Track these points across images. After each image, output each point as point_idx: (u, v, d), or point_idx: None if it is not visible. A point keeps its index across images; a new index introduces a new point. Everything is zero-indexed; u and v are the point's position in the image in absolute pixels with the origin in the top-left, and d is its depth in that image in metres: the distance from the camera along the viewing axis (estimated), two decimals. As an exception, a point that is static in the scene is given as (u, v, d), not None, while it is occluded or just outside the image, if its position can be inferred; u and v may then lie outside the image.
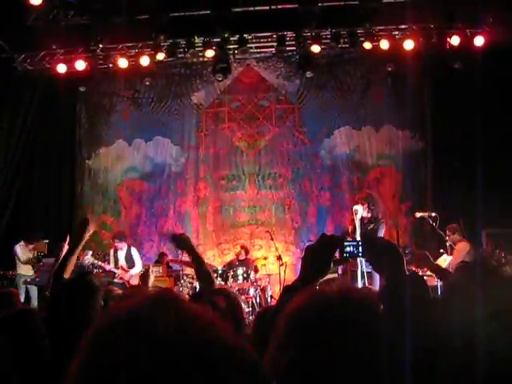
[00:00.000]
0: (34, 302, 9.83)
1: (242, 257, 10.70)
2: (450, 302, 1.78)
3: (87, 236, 3.60)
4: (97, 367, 0.67)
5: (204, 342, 0.69)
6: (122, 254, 9.94)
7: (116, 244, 9.99)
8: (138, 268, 9.95)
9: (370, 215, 8.16)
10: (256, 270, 10.42)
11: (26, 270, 10.59)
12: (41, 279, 10.41)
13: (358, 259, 8.09)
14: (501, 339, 1.43)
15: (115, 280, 9.74)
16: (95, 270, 9.86)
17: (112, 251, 10.06)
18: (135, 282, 9.59)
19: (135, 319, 0.70)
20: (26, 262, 10.54)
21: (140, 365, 0.65)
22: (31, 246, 10.65)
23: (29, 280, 10.42)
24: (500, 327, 1.46)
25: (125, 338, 0.67)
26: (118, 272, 9.77)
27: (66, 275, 3.39)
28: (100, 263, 9.90)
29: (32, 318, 2.83)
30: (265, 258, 11.20)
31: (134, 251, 10.15)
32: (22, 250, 10.65)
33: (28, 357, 2.56)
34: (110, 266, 9.85)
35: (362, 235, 7.56)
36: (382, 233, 8.44)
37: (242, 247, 10.90)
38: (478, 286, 1.58)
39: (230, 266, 10.45)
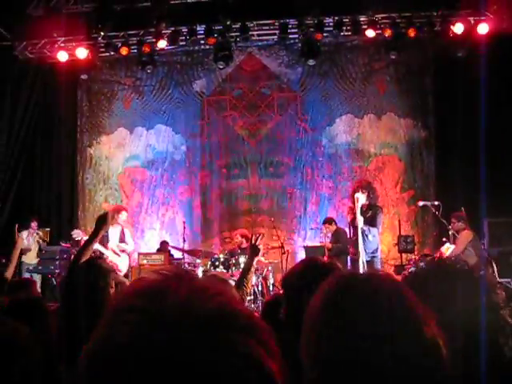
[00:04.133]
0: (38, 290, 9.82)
1: (244, 245, 10.69)
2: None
3: (105, 230, 3.77)
4: (114, 336, 0.71)
5: (214, 305, 0.73)
6: (115, 232, 9.33)
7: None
8: (130, 247, 9.54)
9: (368, 202, 8.21)
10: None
11: (30, 259, 10.60)
12: (43, 267, 10.46)
13: (360, 247, 8.15)
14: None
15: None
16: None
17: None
18: (124, 268, 9.21)
19: (155, 288, 0.74)
20: (25, 250, 10.54)
21: (156, 332, 0.69)
22: (34, 234, 10.68)
23: (31, 268, 10.45)
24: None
25: (145, 304, 0.72)
26: (108, 253, 9.01)
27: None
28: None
29: (41, 306, 2.87)
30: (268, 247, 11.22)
31: (127, 232, 9.67)
32: (24, 238, 10.66)
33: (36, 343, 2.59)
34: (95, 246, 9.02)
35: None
36: (380, 219, 8.46)
37: (242, 235, 10.86)
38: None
39: (232, 254, 10.44)
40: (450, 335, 1.21)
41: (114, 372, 0.67)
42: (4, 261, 10.27)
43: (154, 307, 0.70)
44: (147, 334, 0.68)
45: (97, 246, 8.50)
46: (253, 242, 4.30)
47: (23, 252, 10.57)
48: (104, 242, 9.03)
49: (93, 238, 3.68)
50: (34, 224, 10.72)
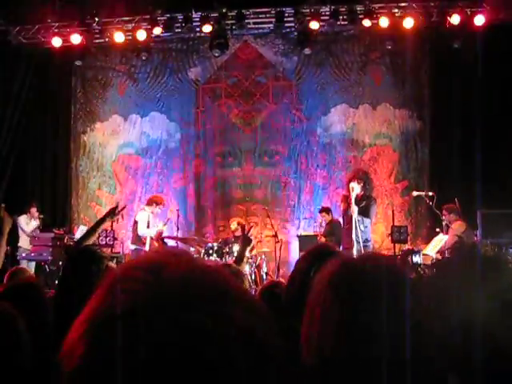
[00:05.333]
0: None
1: (238, 233, 10.69)
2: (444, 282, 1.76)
3: (108, 223, 3.87)
4: (112, 303, 0.72)
5: (213, 280, 0.75)
6: (144, 218, 9.88)
7: (152, 209, 9.92)
8: (152, 232, 9.97)
9: (362, 193, 8.22)
10: (251, 248, 10.45)
11: (27, 244, 10.58)
12: (36, 254, 10.43)
13: (353, 237, 8.18)
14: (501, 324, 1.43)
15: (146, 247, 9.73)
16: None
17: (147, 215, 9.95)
18: None
19: (157, 262, 0.76)
20: (31, 234, 10.56)
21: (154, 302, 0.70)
22: (35, 216, 10.70)
23: (24, 255, 10.42)
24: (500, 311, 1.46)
25: (146, 276, 0.73)
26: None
27: None
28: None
29: (37, 290, 2.87)
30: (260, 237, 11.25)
31: (151, 219, 10.09)
32: (25, 222, 10.65)
33: (32, 328, 2.59)
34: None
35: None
36: (374, 210, 8.49)
37: (238, 223, 10.89)
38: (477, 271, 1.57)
39: (226, 242, 10.46)
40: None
41: (113, 340, 0.67)
42: None
43: (154, 278, 0.72)
44: (147, 303, 0.69)
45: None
46: (245, 232, 4.39)
47: (21, 236, 10.56)
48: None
49: (96, 228, 3.71)
50: (33, 209, 10.73)
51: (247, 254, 9.71)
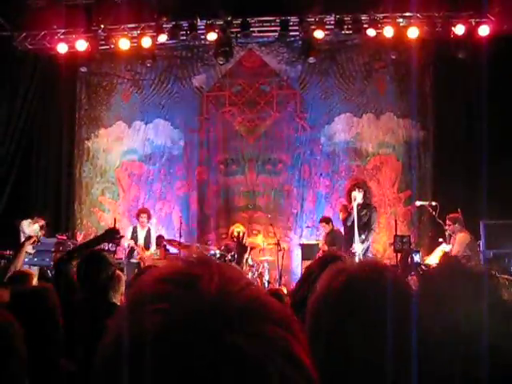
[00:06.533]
0: (35, 281, 9.78)
1: (244, 240, 10.67)
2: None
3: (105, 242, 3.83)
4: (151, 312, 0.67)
5: (248, 297, 0.70)
6: (142, 233, 9.80)
7: (142, 220, 9.86)
8: (152, 249, 9.91)
9: (363, 201, 8.20)
10: (248, 255, 10.40)
11: (29, 249, 10.56)
12: (38, 259, 10.42)
13: (353, 246, 8.15)
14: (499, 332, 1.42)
15: (133, 259, 9.68)
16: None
17: (132, 228, 9.94)
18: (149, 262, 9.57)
19: (187, 274, 0.71)
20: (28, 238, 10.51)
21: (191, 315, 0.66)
22: (39, 224, 10.66)
23: (26, 260, 10.41)
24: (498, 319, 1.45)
25: (179, 291, 0.68)
26: (138, 249, 9.64)
27: (73, 264, 3.47)
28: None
29: (45, 297, 2.86)
30: (264, 244, 11.23)
31: (153, 233, 10.09)
32: (28, 227, 10.64)
33: (40, 335, 2.58)
34: (127, 238, 9.70)
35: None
36: (375, 219, 8.46)
37: (239, 231, 10.86)
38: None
39: (228, 249, 10.44)
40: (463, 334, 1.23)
41: (145, 363, 0.63)
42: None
43: (189, 295, 0.67)
44: (186, 324, 0.64)
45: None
46: (240, 240, 4.39)
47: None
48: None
49: (91, 245, 3.68)
50: (40, 220, 10.71)
51: (250, 261, 9.74)
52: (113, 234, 3.77)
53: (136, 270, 9.46)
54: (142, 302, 0.68)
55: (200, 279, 0.69)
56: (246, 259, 9.93)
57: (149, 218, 9.91)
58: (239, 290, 0.70)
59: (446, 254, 8.41)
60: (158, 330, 0.64)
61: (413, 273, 6.77)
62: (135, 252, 9.69)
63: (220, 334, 0.64)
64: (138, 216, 10.17)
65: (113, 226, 4.04)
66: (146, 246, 9.84)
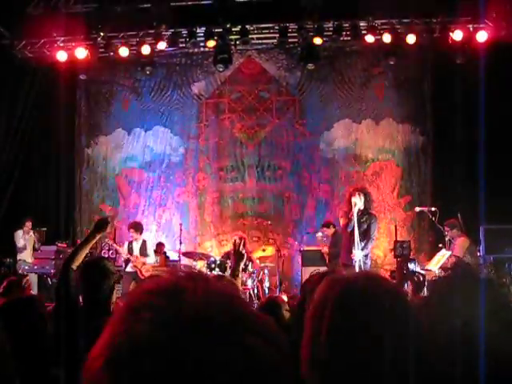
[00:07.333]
0: (34, 288, 9.79)
1: (241, 248, 10.66)
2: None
3: (100, 235, 3.75)
4: (139, 325, 0.69)
5: (230, 308, 0.73)
6: (137, 246, 9.83)
7: (131, 234, 9.88)
8: (151, 259, 9.91)
9: (363, 208, 8.18)
10: (253, 262, 10.42)
11: (27, 257, 10.57)
12: (38, 267, 10.44)
13: (353, 252, 8.14)
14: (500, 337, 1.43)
15: (128, 269, 9.68)
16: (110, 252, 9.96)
17: (127, 243, 9.96)
18: (148, 272, 9.56)
19: (173, 287, 0.74)
20: (22, 249, 10.52)
21: (181, 327, 0.69)
22: (31, 233, 10.65)
23: (27, 268, 10.41)
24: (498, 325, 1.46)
25: (163, 302, 0.71)
26: (132, 259, 9.67)
27: (75, 266, 3.44)
28: (116, 247, 10.07)
29: (34, 306, 2.86)
30: (263, 250, 11.23)
31: (149, 244, 10.09)
32: (19, 237, 10.63)
33: (28, 344, 2.59)
34: (124, 252, 9.77)
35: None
36: (375, 227, 8.44)
37: (240, 238, 10.86)
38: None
39: (228, 256, 10.43)
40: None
41: (130, 370, 0.65)
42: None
43: (172, 306, 0.70)
44: (166, 333, 0.67)
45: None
46: (237, 247, 4.40)
47: (19, 250, 10.55)
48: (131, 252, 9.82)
49: (87, 242, 3.62)
50: (28, 223, 10.69)
51: (250, 268, 9.75)
52: (104, 224, 3.72)
53: (132, 280, 9.48)
54: (130, 312, 0.71)
55: (184, 292, 0.72)
56: (246, 266, 9.98)
57: (138, 231, 9.83)
58: (221, 303, 0.72)
59: (458, 259, 8.40)
60: (141, 338, 0.67)
61: (409, 281, 6.76)
62: (130, 262, 9.72)
63: (198, 344, 0.67)
64: (128, 231, 10.21)
65: (100, 218, 3.93)
66: (142, 255, 9.84)
